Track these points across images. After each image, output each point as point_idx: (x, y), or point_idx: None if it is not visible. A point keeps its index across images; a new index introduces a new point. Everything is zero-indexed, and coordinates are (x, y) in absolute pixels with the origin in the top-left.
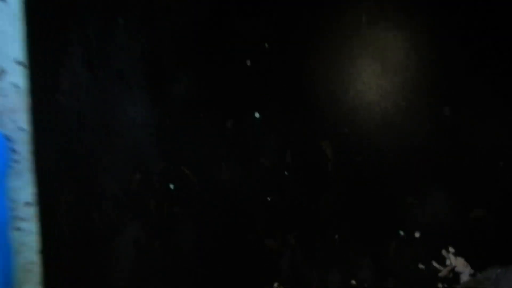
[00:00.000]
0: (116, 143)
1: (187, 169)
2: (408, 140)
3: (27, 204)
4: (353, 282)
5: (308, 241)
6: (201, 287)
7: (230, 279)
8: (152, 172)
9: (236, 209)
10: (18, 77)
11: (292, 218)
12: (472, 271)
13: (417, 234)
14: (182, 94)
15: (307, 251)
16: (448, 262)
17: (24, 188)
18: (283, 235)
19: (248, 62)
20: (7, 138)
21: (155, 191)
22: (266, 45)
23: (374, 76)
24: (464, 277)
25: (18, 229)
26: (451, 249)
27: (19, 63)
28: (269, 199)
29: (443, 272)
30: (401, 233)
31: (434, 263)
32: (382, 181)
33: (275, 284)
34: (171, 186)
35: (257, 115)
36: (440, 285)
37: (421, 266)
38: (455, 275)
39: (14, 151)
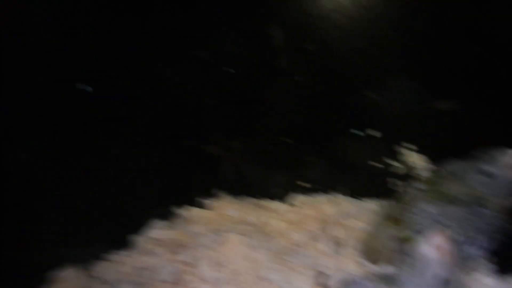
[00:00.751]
0: None
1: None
2: (366, 32)
3: None
4: (305, 184)
5: (254, 144)
6: (142, 196)
7: (173, 187)
8: None
9: (174, 112)
10: None
11: (236, 121)
12: (430, 166)
13: (375, 132)
14: None
15: (253, 155)
16: (406, 159)
17: None
18: (227, 140)
19: None
20: None
21: None
22: None
23: None
24: (423, 173)
25: None
26: (410, 146)
27: None
28: (209, 100)
29: (401, 169)
30: (358, 132)
31: (391, 161)
32: (335, 74)
33: (221, 192)
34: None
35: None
36: (397, 182)
37: (377, 164)
38: (413, 171)
39: None
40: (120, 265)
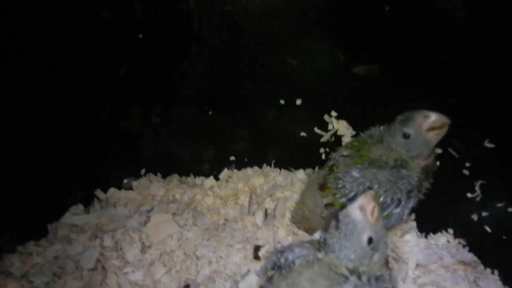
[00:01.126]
0: None
1: None
2: None
3: None
4: (232, 158)
5: (174, 118)
6: (56, 180)
7: (90, 168)
8: None
9: (87, 87)
10: None
11: (153, 92)
12: (353, 132)
13: (298, 101)
14: None
15: (174, 130)
16: (330, 127)
17: None
18: (143, 114)
19: None
20: None
21: None
22: None
23: None
24: (346, 139)
25: None
26: (333, 113)
27: None
28: (121, 71)
29: (325, 136)
30: (281, 101)
31: (316, 129)
32: (254, 40)
33: (142, 171)
34: None
35: None
36: (322, 150)
37: (302, 133)
38: (337, 138)
39: None
40: (33, 256)
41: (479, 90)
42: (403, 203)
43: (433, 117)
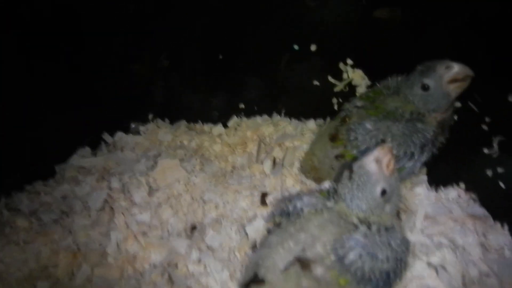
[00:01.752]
0: None
1: None
2: None
3: None
4: (242, 105)
5: (183, 61)
6: (65, 122)
7: (98, 112)
8: None
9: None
10: None
11: (162, 34)
12: (369, 83)
13: (313, 47)
14: None
15: (183, 74)
16: (345, 76)
17: None
18: (152, 56)
19: None
20: None
21: None
22: None
23: None
24: (361, 90)
25: None
26: (349, 61)
27: None
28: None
29: (339, 86)
30: (295, 46)
31: (330, 78)
32: None
33: (150, 116)
34: None
35: None
36: (334, 100)
37: (315, 82)
38: (351, 88)
39: None
40: (41, 195)
41: (507, 42)
42: (416, 157)
43: (456, 68)
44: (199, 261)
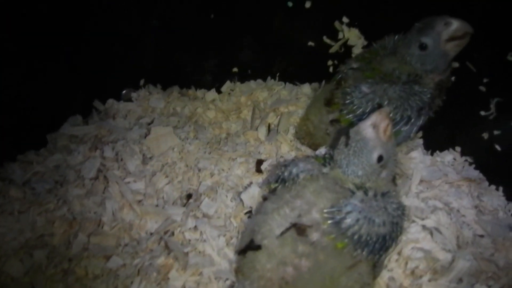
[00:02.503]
0: None
1: None
2: None
3: None
4: (235, 69)
5: (174, 21)
6: (53, 90)
7: (87, 78)
8: None
9: None
10: None
11: None
12: (365, 42)
13: (307, 4)
14: None
15: (174, 36)
16: (340, 36)
17: None
18: (142, 15)
19: None
20: None
21: None
22: None
23: None
24: (357, 50)
25: None
26: (345, 19)
27: None
28: None
29: (334, 47)
30: (289, 3)
31: (325, 38)
32: None
33: (142, 81)
34: None
35: None
36: (330, 62)
37: (310, 43)
38: (347, 49)
39: None
40: (34, 165)
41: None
42: (412, 120)
43: (455, 25)
44: (195, 228)
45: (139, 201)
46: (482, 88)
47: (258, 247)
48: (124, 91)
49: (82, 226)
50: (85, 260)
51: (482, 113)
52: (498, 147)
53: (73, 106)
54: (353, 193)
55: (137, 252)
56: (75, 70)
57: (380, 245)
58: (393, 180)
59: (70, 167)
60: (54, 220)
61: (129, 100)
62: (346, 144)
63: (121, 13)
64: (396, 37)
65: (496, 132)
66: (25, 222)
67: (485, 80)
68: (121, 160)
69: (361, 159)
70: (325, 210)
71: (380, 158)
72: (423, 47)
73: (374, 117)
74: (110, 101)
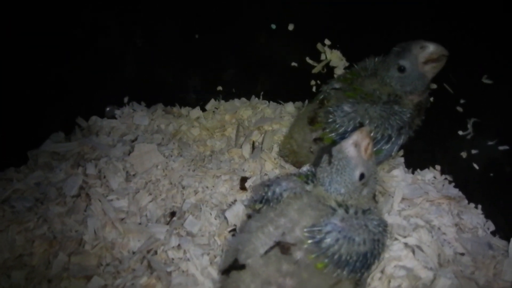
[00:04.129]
0: None
1: None
2: None
3: None
4: (219, 87)
5: (159, 39)
6: (36, 106)
7: (71, 95)
8: None
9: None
10: None
11: (135, 10)
12: (347, 64)
13: (290, 27)
14: None
15: (158, 54)
16: (323, 57)
17: None
18: (126, 34)
19: None
20: None
21: None
22: None
23: None
24: (339, 71)
25: None
26: (327, 41)
27: None
28: None
29: (317, 67)
30: (273, 26)
31: (308, 59)
32: None
33: (126, 99)
34: None
35: None
36: (313, 81)
37: (293, 63)
38: (329, 70)
39: None
40: (14, 182)
41: (482, 21)
42: (393, 139)
43: (431, 48)
44: (179, 246)
45: (122, 219)
46: (460, 109)
47: (242, 267)
48: (108, 108)
49: (62, 245)
50: (65, 280)
51: (460, 132)
52: (476, 166)
53: (56, 123)
54: (334, 210)
55: (119, 272)
56: (58, 86)
57: (361, 263)
58: (374, 197)
59: (51, 185)
60: (33, 239)
61: (113, 117)
62: (329, 162)
63: (105, 31)
64: (376, 59)
65: (474, 151)
66: (3, 242)
67: (462, 101)
68: (104, 177)
69: (343, 177)
70: (305, 230)
71: (361, 176)
72: (401, 69)
73: (356, 136)
74: (94, 118)
